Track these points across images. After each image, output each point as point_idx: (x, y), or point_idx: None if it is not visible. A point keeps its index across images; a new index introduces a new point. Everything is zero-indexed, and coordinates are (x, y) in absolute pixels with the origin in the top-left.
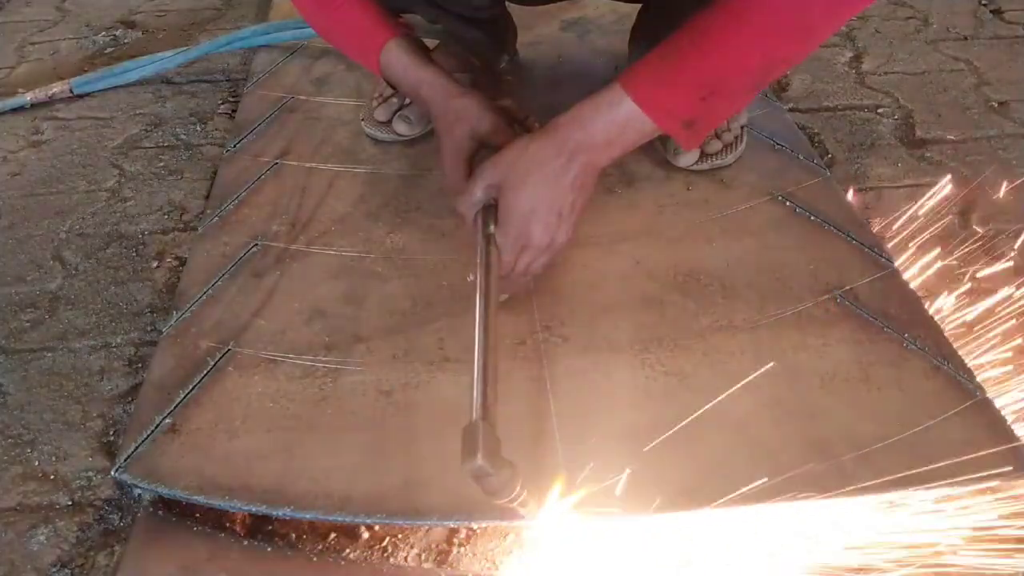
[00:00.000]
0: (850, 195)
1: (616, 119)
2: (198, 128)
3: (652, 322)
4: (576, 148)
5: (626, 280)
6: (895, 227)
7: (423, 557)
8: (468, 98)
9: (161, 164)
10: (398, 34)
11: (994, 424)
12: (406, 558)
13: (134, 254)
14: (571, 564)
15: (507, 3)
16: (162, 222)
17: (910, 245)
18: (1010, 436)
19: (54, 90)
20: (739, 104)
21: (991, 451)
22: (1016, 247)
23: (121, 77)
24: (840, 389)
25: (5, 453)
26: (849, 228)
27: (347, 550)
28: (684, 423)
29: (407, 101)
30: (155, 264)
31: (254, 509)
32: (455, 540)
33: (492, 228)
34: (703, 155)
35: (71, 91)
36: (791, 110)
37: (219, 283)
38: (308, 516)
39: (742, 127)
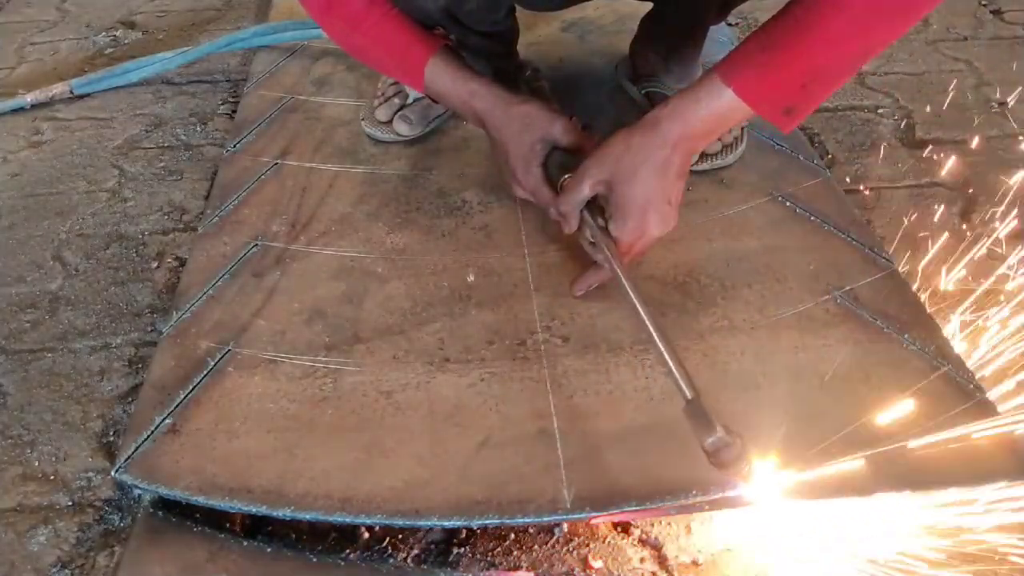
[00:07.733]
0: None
1: (717, 110)
2: (198, 128)
3: None
4: (678, 139)
5: None
6: (895, 227)
7: (423, 557)
8: (530, 104)
9: (161, 164)
10: (438, 48)
11: (993, 424)
12: (406, 558)
13: (134, 254)
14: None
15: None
16: (162, 222)
17: (910, 245)
18: (1009, 436)
19: (54, 91)
20: (837, 86)
21: (990, 451)
22: (1016, 247)
23: (121, 78)
24: (840, 389)
25: (5, 453)
26: (849, 228)
27: (347, 550)
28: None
29: (408, 101)
30: (155, 264)
31: (254, 510)
32: (455, 540)
33: (602, 222)
34: (703, 155)
35: (71, 91)
36: None
37: (219, 283)
38: (308, 516)
39: (742, 128)
